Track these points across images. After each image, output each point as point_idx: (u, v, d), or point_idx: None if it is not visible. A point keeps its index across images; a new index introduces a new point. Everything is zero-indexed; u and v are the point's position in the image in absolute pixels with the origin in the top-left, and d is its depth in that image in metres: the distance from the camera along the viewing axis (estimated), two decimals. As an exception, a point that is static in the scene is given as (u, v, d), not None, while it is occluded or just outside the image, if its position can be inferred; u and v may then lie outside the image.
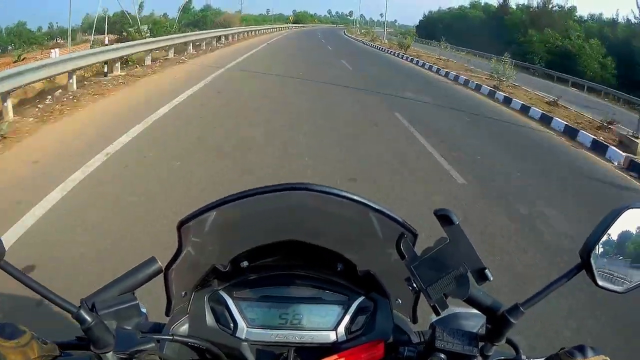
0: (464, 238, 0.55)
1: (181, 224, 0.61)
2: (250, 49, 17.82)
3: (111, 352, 0.55)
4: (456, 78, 13.66)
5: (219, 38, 19.88)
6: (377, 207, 0.60)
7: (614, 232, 0.56)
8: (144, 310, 0.69)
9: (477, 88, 12.00)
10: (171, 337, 0.63)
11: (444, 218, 0.55)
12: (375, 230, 0.65)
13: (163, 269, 0.63)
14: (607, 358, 0.57)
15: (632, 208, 0.56)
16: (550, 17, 32.96)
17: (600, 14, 42.62)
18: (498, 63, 13.03)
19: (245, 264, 0.71)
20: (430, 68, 16.46)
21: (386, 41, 34.05)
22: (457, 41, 29.46)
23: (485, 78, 13.53)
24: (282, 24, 55.90)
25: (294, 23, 71.39)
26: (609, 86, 23.10)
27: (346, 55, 18.30)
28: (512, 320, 0.57)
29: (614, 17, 35.47)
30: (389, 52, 23.67)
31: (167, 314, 0.69)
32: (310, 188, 0.58)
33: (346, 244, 0.71)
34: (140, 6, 33.50)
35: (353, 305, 0.69)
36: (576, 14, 35.88)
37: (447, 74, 14.56)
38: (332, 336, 0.68)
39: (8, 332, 0.52)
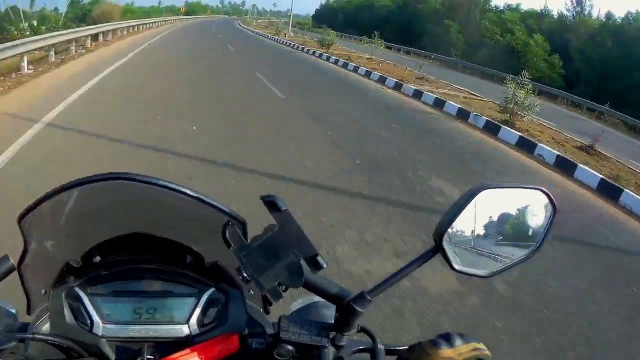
0: (294, 224, 0.55)
1: (20, 218, 0.60)
2: (125, 54, 12.06)
3: None
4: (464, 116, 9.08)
5: (93, 37, 14.57)
6: (195, 195, 0.60)
7: (469, 213, 0.56)
8: (12, 310, 0.69)
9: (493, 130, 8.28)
10: (32, 336, 0.61)
11: (271, 204, 0.55)
12: (205, 219, 0.64)
13: (15, 266, 0.62)
14: (480, 345, 0.57)
15: (486, 189, 0.56)
16: (466, 7, 31.86)
17: (518, 5, 42.80)
18: (512, 86, 8.87)
19: (97, 259, 0.70)
20: (397, 86, 11.77)
21: (291, 34, 30.68)
22: (362, 33, 27.25)
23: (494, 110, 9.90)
24: (172, 16, 50.03)
25: (185, 14, 65.86)
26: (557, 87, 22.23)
27: (257, 62, 13.50)
28: (358, 308, 0.57)
29: (543, 9, 34.88)
30: (306, 50, 19.94)
31: (28, 313, 0.68)
32: (130, 177, 0.58)
33: (189, 235, 0.70)
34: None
35: (203, 297, 0.69)
36: (490, 3, 35.15)
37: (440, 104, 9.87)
38: (185, 329, 0.67)
39: None
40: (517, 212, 0.60)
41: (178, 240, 0.69)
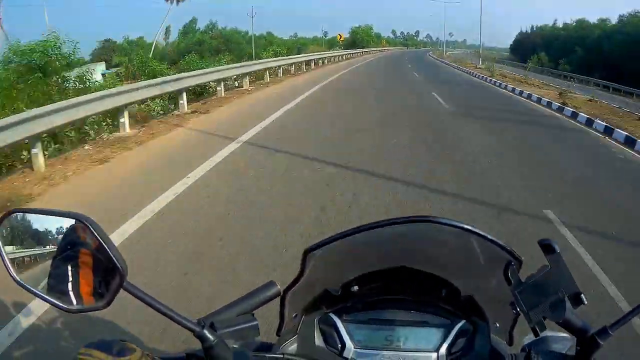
0: (563, 265, 0.60)
1: (306, 252, 0.66)
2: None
3: None
4: None
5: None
6: (491, 237, 0.64)
7: None
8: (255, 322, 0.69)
9: None
10: (282, 356, 0.66)
11: (546, 247, 0.60)
12: (482, 258, 0.70)
13: (282, 292, 0.68)
14: None
15: None
16: None
17: None
18: None
19: (355, 288, 0.76)
20: None
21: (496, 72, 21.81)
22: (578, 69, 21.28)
23: None
24: (326, 50, 38.60)
25: (347, 47, 47.53)
26: None
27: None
28: (600, 341, 0.61)
29: None
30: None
31: (277, 334, 0.75)
32: (433, 220, 0.63)
33: (452, 270, 0.76)
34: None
35: (455, 328, 0.74)
36: None
37: None
38: (433, 357, 0.72)
39: (117, 349, 0.54)
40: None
41: (439, 275, 0.76)
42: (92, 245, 0.58)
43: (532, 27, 56.34)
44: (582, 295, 0.59)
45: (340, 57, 32.33)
